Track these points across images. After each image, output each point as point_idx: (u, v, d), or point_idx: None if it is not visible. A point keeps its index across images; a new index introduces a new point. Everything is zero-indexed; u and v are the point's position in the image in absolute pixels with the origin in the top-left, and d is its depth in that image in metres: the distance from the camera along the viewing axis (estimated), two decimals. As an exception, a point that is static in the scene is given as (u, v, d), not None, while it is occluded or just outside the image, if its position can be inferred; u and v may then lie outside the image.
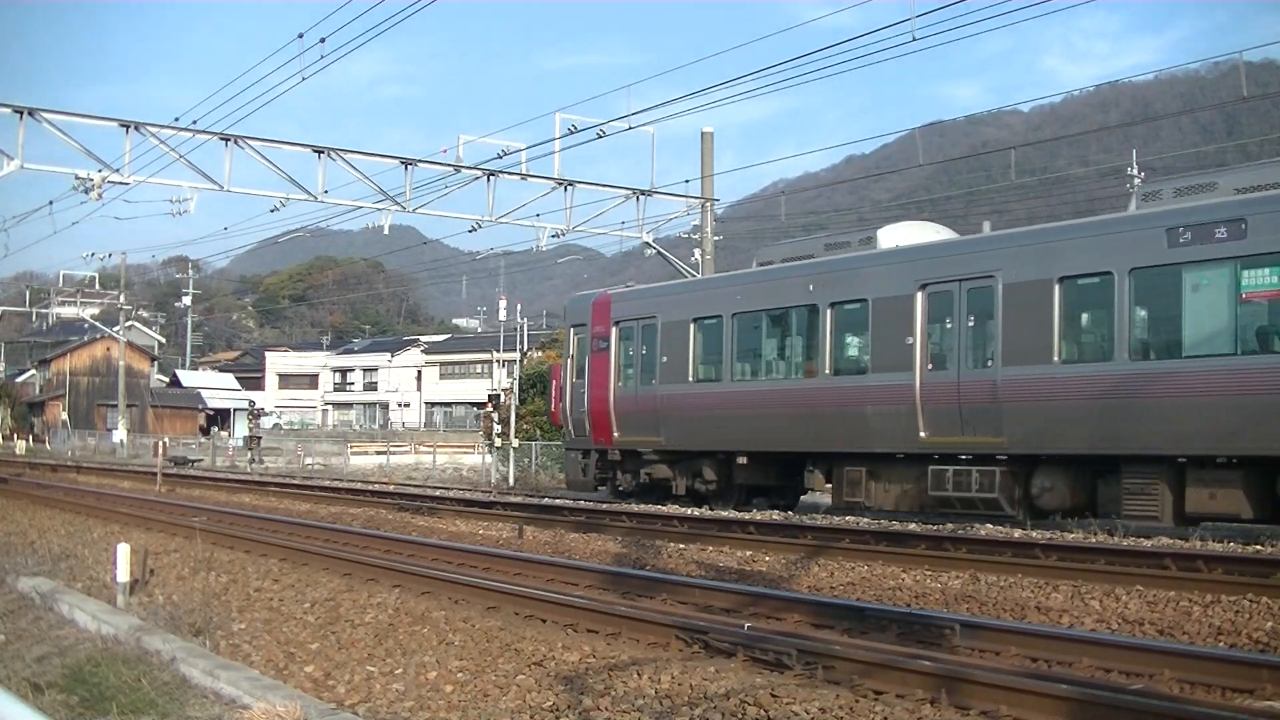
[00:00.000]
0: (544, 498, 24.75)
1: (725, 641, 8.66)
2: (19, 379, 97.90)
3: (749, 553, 14.98)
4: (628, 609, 10.29)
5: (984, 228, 19.64)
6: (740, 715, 7.03)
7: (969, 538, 14.56)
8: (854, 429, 18.92)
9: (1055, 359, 16.47)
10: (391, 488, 28.51)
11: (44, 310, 72.16)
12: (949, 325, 17.86)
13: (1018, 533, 15.33)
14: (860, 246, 20.27)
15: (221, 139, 27.17)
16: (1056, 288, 16.49)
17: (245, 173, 52.02)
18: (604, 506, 21.06)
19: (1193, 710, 6.46)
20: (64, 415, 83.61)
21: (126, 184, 27.44)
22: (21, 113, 25.61)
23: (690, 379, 21.70)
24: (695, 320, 21.84)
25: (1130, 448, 15.64)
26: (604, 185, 32.15)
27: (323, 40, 23.54)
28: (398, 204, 29.51)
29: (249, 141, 27.50)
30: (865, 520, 17.98)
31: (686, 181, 32.70)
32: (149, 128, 26.81)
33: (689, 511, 19.62)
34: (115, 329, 71.83)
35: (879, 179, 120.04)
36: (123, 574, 12.38)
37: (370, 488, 28.04)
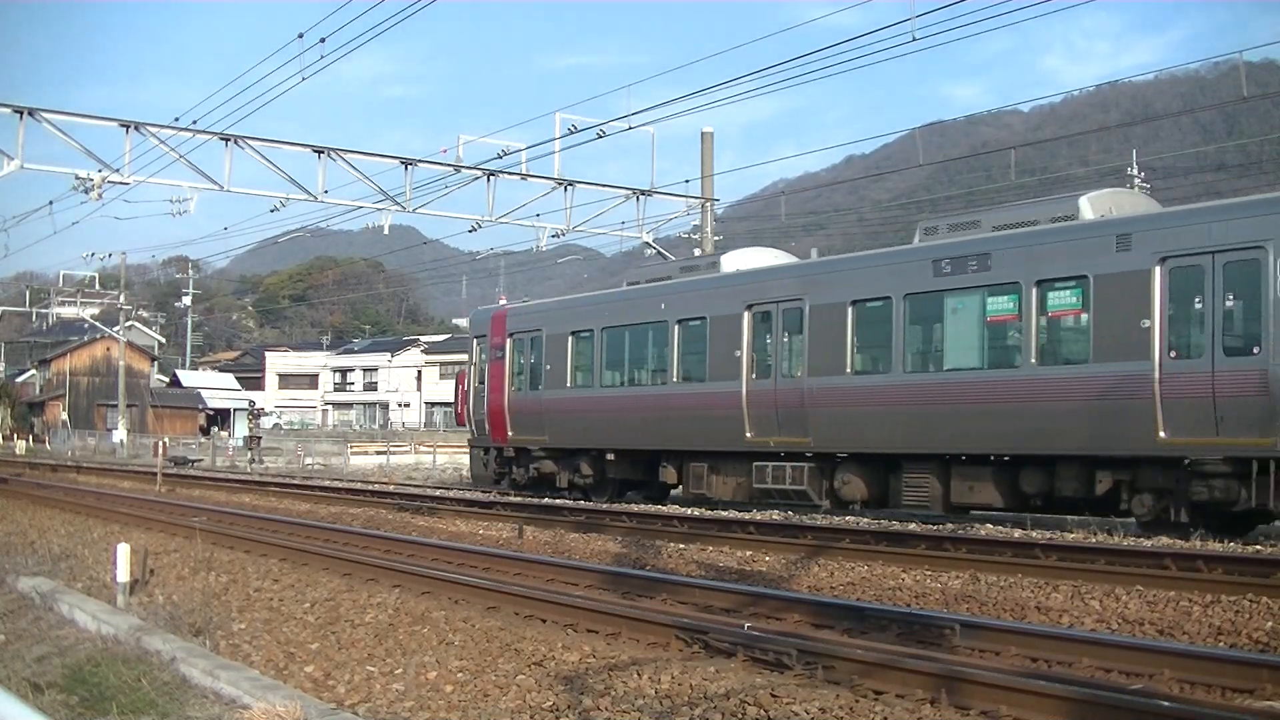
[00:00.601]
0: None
1: (725, 641, 8.66)
2: (19, 379, 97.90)
3: (749, 553, 14.98)
4: (628, 609, 10.29)
5: (812, 253, 22.84)
6: (740, 715, 7.03)
7: (969, 538, 14.56)
8: (696, 430, 21.51)
9: (848, 370, 19.09)
10: (391, 488, 28.50)
11: (44, 310, 72.19)
12: (769, 340, 20.43)
13: (1018, 533, 15.34)
14: (706, 270, 22.93)
15: (221, 139, 27.18)
16: (850, 310, 19.07)
17: (245, 173, 52.06)
18: (604, 507, 21.08)
19: (1193, 710, 6.47)
20: (64, 415, 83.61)
21: (126, 184, 27.46)
22: (21, 113, 25.62)
23: (568, 385, 24.46)
24: (572, 334, 24.55)
25: (908, 448, 18.24)
26: (604, 185, 32.19)
27: (323, 40, 23.56)
28: (398, 204, 29.51)
29: (249, 141, 27.50)
30: (865, 520, 18.03)
31: (686, 181, 32.77)
32: (149, 128, 26.82)
33: (689, 512, 19.64)
34: (115, 329, 71.83)
35: (879, 179, 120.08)
36: (123, 574, 12.38)
37: (370, 488, 28.04)
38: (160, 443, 42.93)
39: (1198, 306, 15.01)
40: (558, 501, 22.14)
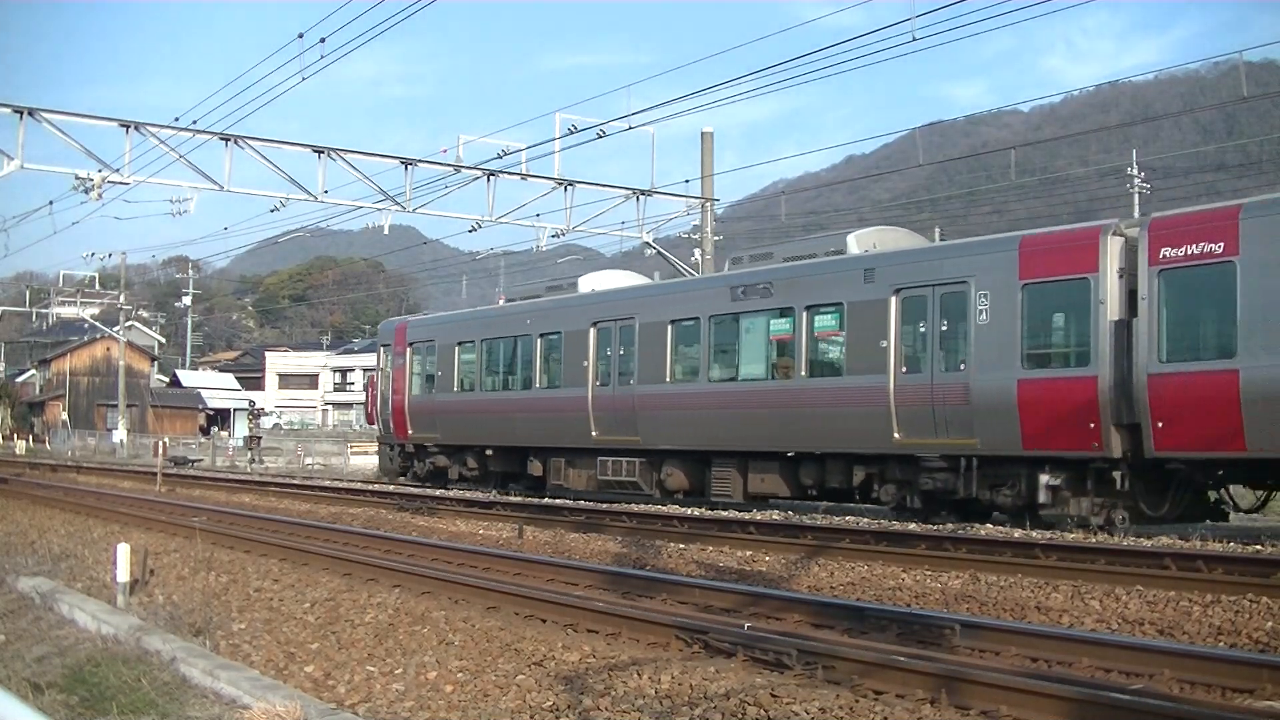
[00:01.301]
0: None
1: (725, 641, 8.67)
2: (19, 379, 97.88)
3: (749, 553, 14.98)
4: (628, 609, 10.29)
5: (655, 276, 26.65)
6: (740, 715, 7.03)
7: (969, 538, 14.56)
8: (555, 430, 24.75)
9: (668, 380, 22.15)
10: (392, 487, 28.50)
11: (44, 310, 72.16)
12: (609, 353, 23.42)
13: (1018, 533, 15.34)
14: (565, 291, 26.33)
15: (221, 139, 27.16)
16: (669, 328, 22.15)
17: (245, 173, 51.96)
18: (603, 507, 21.08)
19: (1193, 710, 6.46)
20: (64, 415, 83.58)
21: (126, 184, 27.43)
22: (21, 113, 25.59)
23: (455, 390, 27.79)
24: (459, 344, 27.98)
25: (715, 446, 21.40)
26: (604, 185, 32.16)
27: (323, 40, 23.54)
28: (398, 204, 29.50)
29: (249, 141, 27.49)
30: (865, 520, 18.05)
31: (686, 181, 32.73)
32: (149, 128, 26.80)
33: (689, 512, 19.65)
34: (115, 329, 71.82)
35: (879, 179, 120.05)
36: (123, 574, 12.38)
37: (370, 488, 28.03)
38: (160, 443, 42.90)
39: (922, 330, 18.13)
40: (557, 501, 22.18)
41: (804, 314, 19.65)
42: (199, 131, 26.92)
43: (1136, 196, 44.42)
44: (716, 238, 33.35)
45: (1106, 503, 16.20)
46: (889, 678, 7.52)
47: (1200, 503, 16.42)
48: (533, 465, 25.83)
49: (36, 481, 33.54)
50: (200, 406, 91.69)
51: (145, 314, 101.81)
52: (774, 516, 18.63)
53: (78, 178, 26.92)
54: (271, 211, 29.31)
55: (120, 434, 67.63)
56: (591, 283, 25.77)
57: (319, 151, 28.26)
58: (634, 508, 20.96)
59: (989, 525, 16.57)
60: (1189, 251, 15.30)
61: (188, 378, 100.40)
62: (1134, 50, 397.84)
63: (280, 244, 59.70)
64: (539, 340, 25.30)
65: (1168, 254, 15.50)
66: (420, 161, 29.54)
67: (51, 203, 31.81)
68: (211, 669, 8.55)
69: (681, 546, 15.82)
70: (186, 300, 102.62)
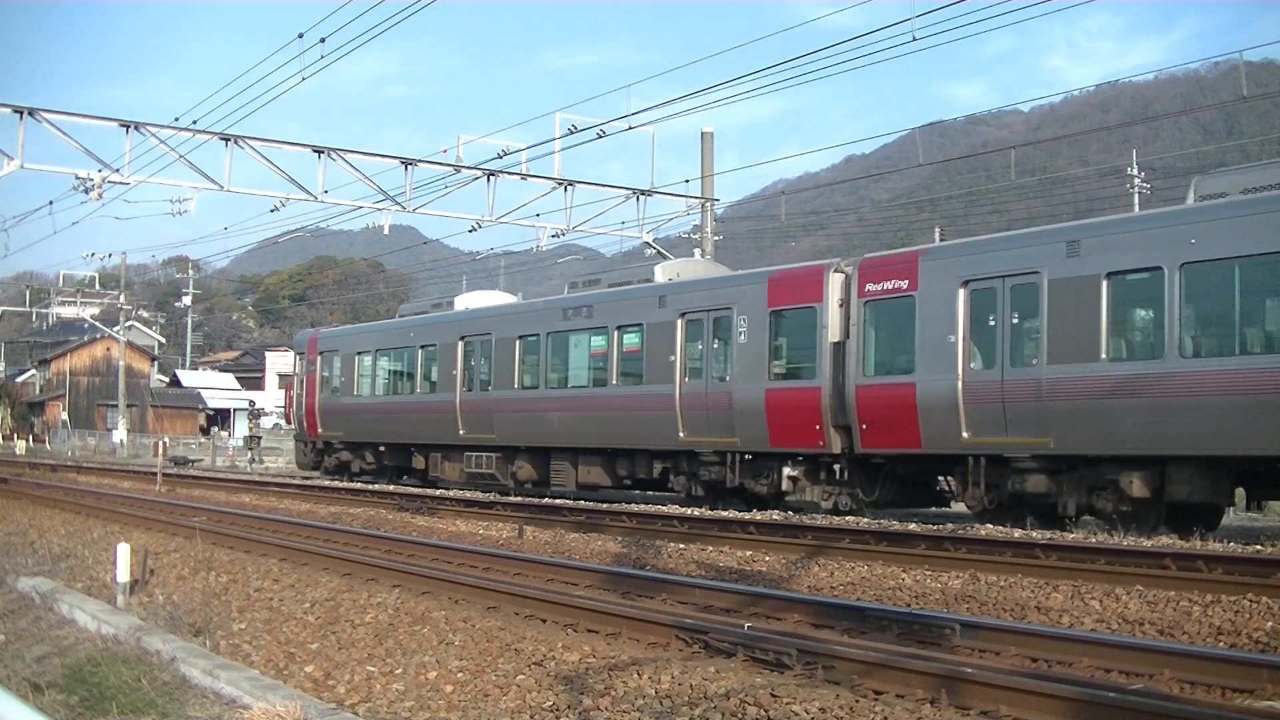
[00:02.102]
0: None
1: (725, 641, 8.67)
2: (19, 379, 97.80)
3: (749, 553, 14.98)
4: (628, 609, 10.29)
5: (519, 295, 31.81)
6: (740, 715, 7.03)
7: (969, 538, 14.56)
8: (432, 428, 28.37)
9: (515, 387, 25.78)
10: (391, 487, 28.52)
11: (44, 310, 72.19)
12: (472, 363, 27.23)
13: (1018, 533, 15.34)
14: (443, 309, 30.24)
15: (221, 139, 27.16)
16: (517, 343, 25.78)
17: (245, 173, 52.17)
18: (604, 507, 21.09)
19: (1193, 710, 6.46)
20: (64, 415, 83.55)
21: (126, 184, 27.43)
22: (21, 113, 25.60)
23: (355, 394, 31.56)
24: (358, 354, 31.76)
25: (555, 443, 24.71)
26: (604, 185, 32.17)
27: (323, 40, 23.52)
28: (398, 204, 29.50)
29: (249, 141, 27.49)
30: (865, 520, 18.06)
31: (686, 181, 32.74)
32: (149, 128, 26.80)
33: (689, 511, 19.65)
34: (115, 329, 71.80)
35: (879, 179, 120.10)
36: (123, 574, 12.38)
37: (370, 487, 28.04)
38: (160, 443, 42.86)
39: (699, 347, 21.48)
40: (558, 501, 22.19)
41: (615, 332, 23.34)
42: (199, 131, 26.92)
43: (1136, 196, 44.41)
44: (716, 238, 33.36)
45: (833, 490, 19.78)
46: (889, 678, 7.52)
47: (908, 489, 19.79)
48: (416, 460, 29.67)
49: (36, 481, 33.53)
50: (200, 406, 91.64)
51: (145, 314, 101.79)
52: (774, 516, 18.63)
53: (78, 178, 26.93)
54: (271, 211, 29.33)
55: (120, 434, 67.62)
56: (465, 301, 29.97)
57: (319, 151, 28.26)
58: (634, 508, 20.99)
59: (989, 525, 16.58)
60: (885, 286, 18.73)
61: (188, 378, 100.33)
62: (1135, 50, 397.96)
63: (280, 244, 59.71)
64: (420, 351, 29.21)
65: (871, 288, 18.88)
66: (420, 161, 29.54)
67: (51, 203, 31.84)
68: (211, 669, 8.55)
69: (681, 546, 15.82)
70: (186, 300, 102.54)
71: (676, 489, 22.13)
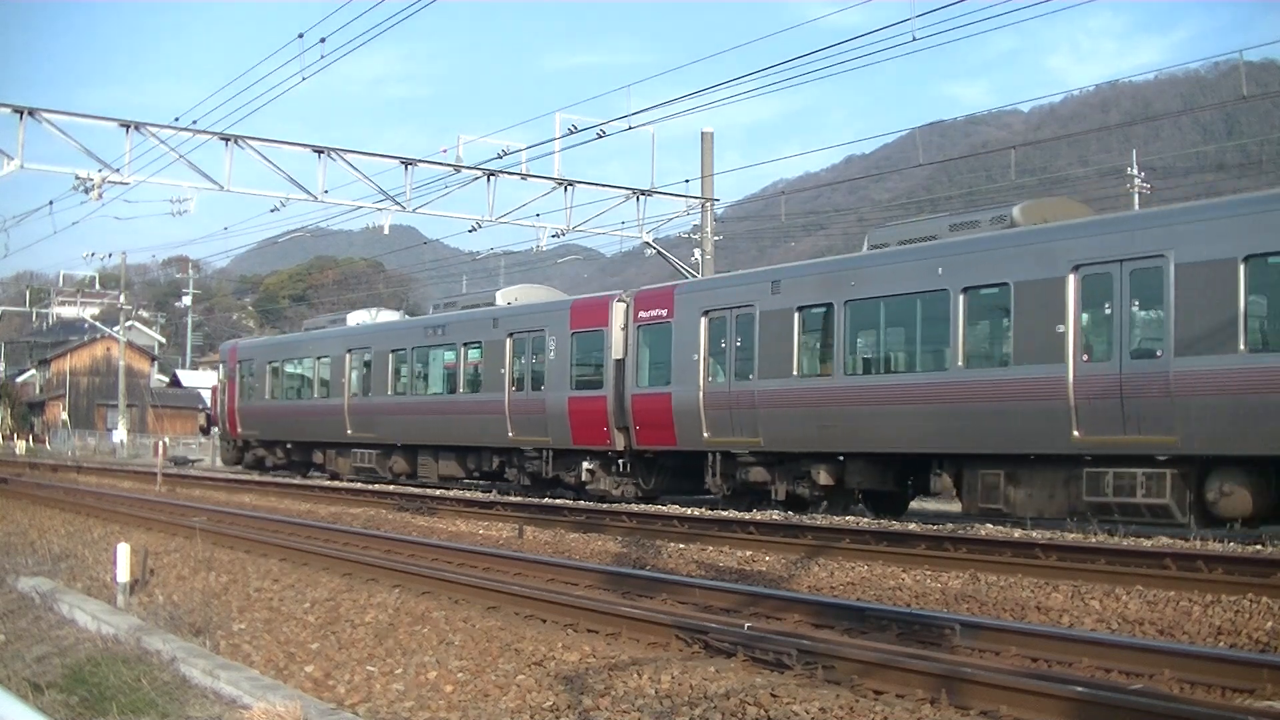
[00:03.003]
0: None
1: (725, 641, 8.67)
2: (19, 379, 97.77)
3: (749, 553, 14.98)
4: (628, 609, 10.30)
5: (400, 313, 37.37)
6: (740, 715, 7.03)
7: (969, 538, 14.56)
8: (327, 429, 32.62)
9: (390, 393, 29.98)
10: (392, 487, 28.52)
11: (44, 310, 72.13)
12: (355, 373, 31.67)
13: (1017, 533, 15.34)
14: (333, 325, 35.33)
15: (221, 139, 27.13)
16: (390, 355, 30.21)
17: (245, 173, 52.09)
18: (604, 507, 21.10)
19: (1193, 710, 6.46)
20: (64, 415, 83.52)
21: (126, 184, 27.39)
22: (21, 113, 25.57)
23: (267, 398, 35.88)
24: (269, 363, 36.11)
25: (422, 440, 29.20)
26: (604, 185, 32.13)
27: (323, 40, 23.48)
28: (398, 204, 29.48)
29: (249, 141, 27.46)
30: (865, 520, 18.06)
31: (686, 181, 32.70)
32: (149, 128, 26.78)
33: (689, 512, 19.66)
34: (115, 329, 71.78)
35: (879, 179, 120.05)
36: (123, 574, 12.38)
37: (371, 487, 28.04)
38: (160, 443, 42.88)
39: (523, 362, 25.66)
40: (558, 501, 22.21)
41: (462, 348, 27.82)
42: (199, 131, 26.90)
43: (1137, 196, 44.38)
44: (716, 238, 33.33)
45: (620, 480, 23.74)
46: (889, 678, 7.52)
47: (676, 478, 23.29)
48: (316, 455, 34.13)
49: (36, 481, 33.54)
50: (200, 406, 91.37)
51: (145, 314, 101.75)
52: (774, 516, 18.64)
53: (78, 178, 26.90)
54: (271, 211, 29.31)
55: (120, 434, 67.60)
56: (355, 318, 34.77)
57: (319, 151, 28.24)
58: (634, 508, 21.01)
59: (989, 525, 16.58)
60: (652, 314, 22.70)
61: (188, 378, 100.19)
62: (1137, 51, 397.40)
63: (280, 244, 59.71)
64: (317, 362, 33.63)
65: (643, 315, 22.87)
66: (420, 161, 29.51)
67: (51, 203, 31.75)
68: (211, 669, 8.55)
69: (681, 546, 15.82)
70: (186, 300, 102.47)
71: (510, 479, 26.73)
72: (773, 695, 7.28)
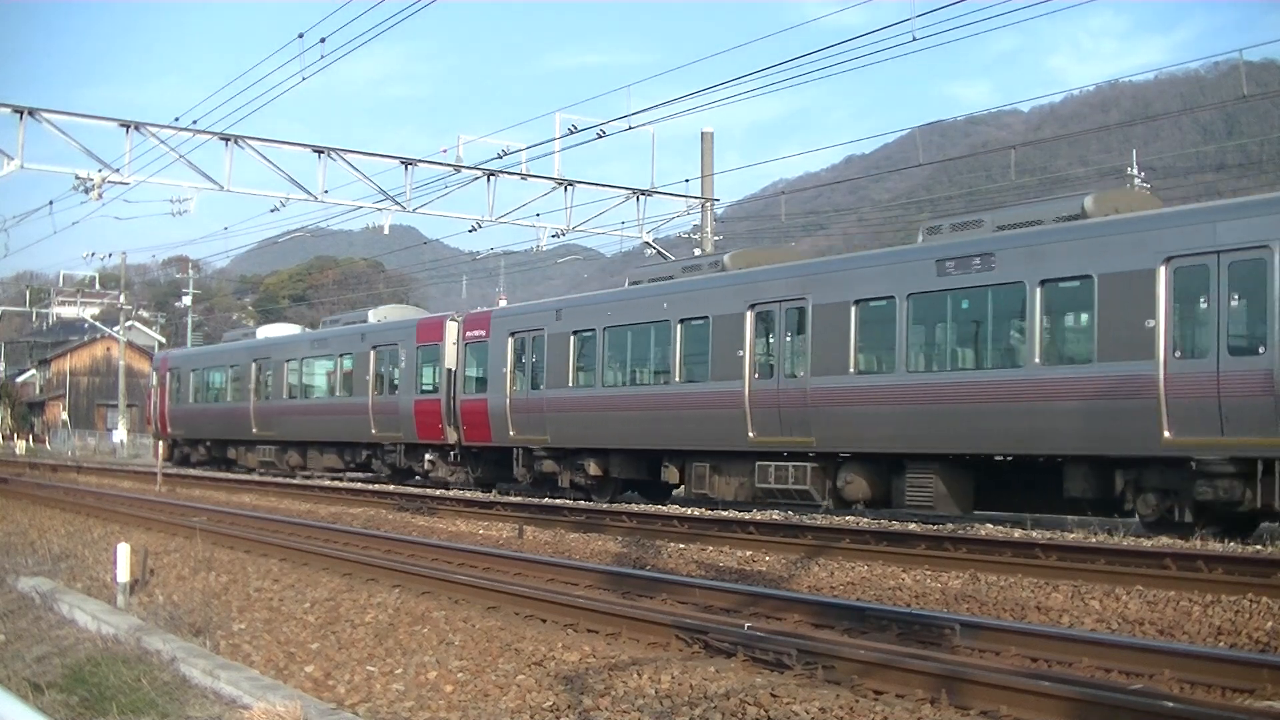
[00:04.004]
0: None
1: (725, 641, 8.67)
2: (19, 379, 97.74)
3: (749, 553, 14.98)
4: (628, 609, 10.29)
5: (316, 327, 41.38)
6: (740, 715, 7.03)
7: (969, 538, 14.56)
8: (237, 426, 36.94)
9: (285, 396, 34.67)
10: (392, 487, 28.51)
11: (44, 310, 72.11)
12: (262, 379, 35.83)
13: (1017, 533, 15.33)
14: (247, 339, 39.78)
15: (221, 139, 27.15)
16: (285, 365, 34.65)
17: (245, 173, 51.95)
18: (604, 507, 21.09)
19: (1193, 710, 6.46)
20: (64, 415, 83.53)
21: (126, 184, 27.43)
22: (21, 113, 25.59)
23: (190, 401, 40.47)
24: (191, 370, 40.91)
25: (309, 438, 33.47)
26: (604, 185, 32.16)
27: (323, 40, 23.49)
28: (398, 204, 29.50)
29: (249, 141, 27.48)
30: (865, 520, 18.04)
31: (686, 181, 32.72)
32: (149, 128, 26.80)
33: (689, 512, 19.65)
34: (115, 329, 71.76)
35: (879, 179, 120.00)
36: (123, 574, 12.38)
37: (371, 487, 28.04)
38: (160, 443, 42.90)
39: (380, 372, 30.24)
40: (558, 501, 22.20)
41: (339, 358, 32.30)
42: (199, 131, 26.91)
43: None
44: (716, 238, 33.35)
45: (454, 469, 28.15)
46: (889, 678, 7.52)
47: (497, 468, 27.27)
48: (230, 451, 38.58)
49: (36, 481, 33.54)
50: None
51: (145, 314, 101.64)
52: (774, 516, 18.63)
53: (78, 178, 26.92)
54: (271, 211, 29.35)
55: (120, 434, 67.59)
56: (263, 332, 39.42)
57: (319, 151, 28.26)
58: (634, 508, 21.01)
59: (989, 525, 16.57)
60: (476, 333, 27.10)
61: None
62: (1138, 50, 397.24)
63: (280, 244, 59.70)
64: (229, 370, 38.10)
65: (469, 334, 27.30)
66: (420, 161, 29.54)
67: (51, 203, 31.80)
68: (211, 669, 8.55)
69: (681, 546, 15.82)
70: (186, 300, 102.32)
71: (374, 470, 31.09)
72: (773, 695, 7.28)
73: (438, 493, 25.77)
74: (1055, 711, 6.64)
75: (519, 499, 23.62)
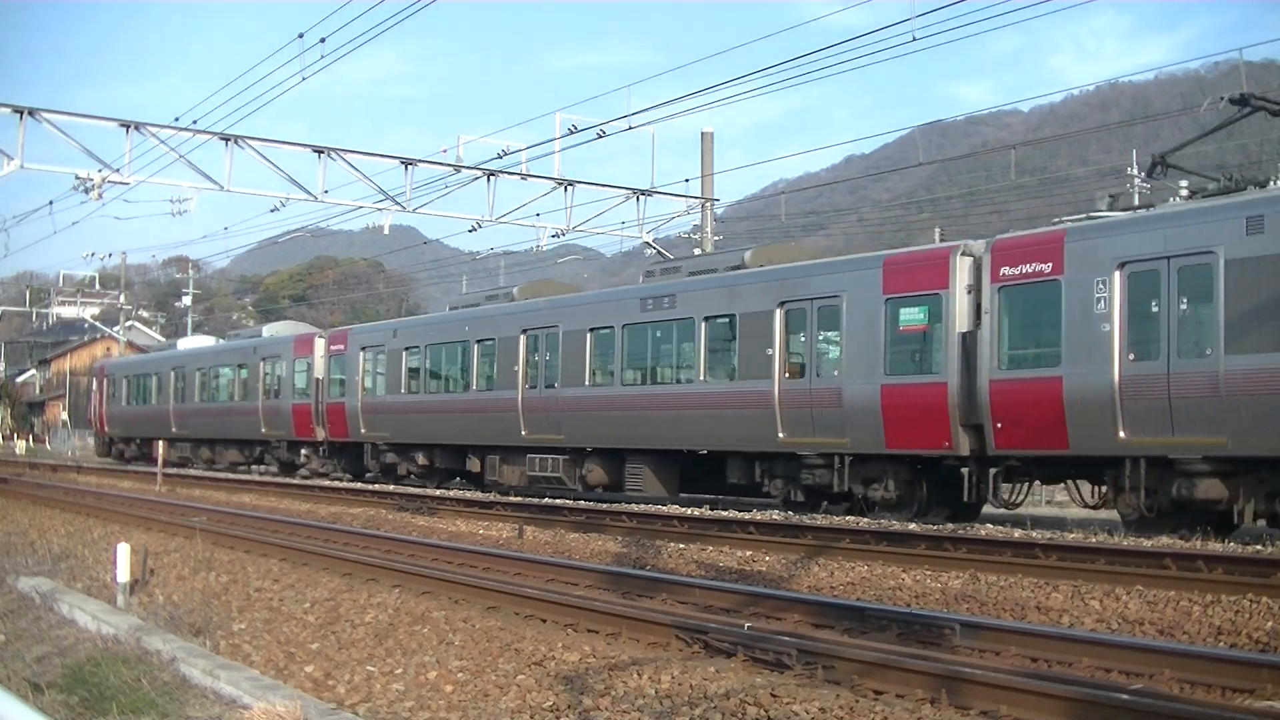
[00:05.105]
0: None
1: (725, 641, 8.67)
2: (19, 379, 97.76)
3: (749, 553, 14.98)
4: (628, 609, 10.30)
5: (226, 339, 45.97)
6: (740, 715, 7.03)
7: (969, 538, 14.55)
8: (160, 426, 41.51)
9: (196, 400, 39.98)
10: (391, 486, 28.51)
11: (44, 310, 72.09)
12: (180, 385, 41.12)
13: (1018, 533, 15.33)
14: (166, 349, 47.33)
15: (221, 139, 27.13)
16: (196, 373, 40.03)
17: (245, 173, 51.90)
18: (603, 506, 21.08)
19: (1193, 710, 6.46)
20: (64, 415, 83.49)
21: (126, 184, 27.40)
22: (21, 113, 25.57)
23: (123, 403, 45.75)
24: (124, 376, 46.26)
25: (216, 436, 39.06)
26: (604, 185, 32.13)
27: (323, 40, 23.45)
28: (398, 204, 29.48)
29: (249, 141, 27.46)
30: (865, 520, 18.03)
31: (686, 181, 32.69)
32: (149, 128, 26.78)
33: (689, 512, 19.65)
34: (115, 329, 71.75)
35: (879, 179, 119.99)
36: (123, 574, 12.38)
37: (370, 487, 28.04)
38: (161, 442, 42.90)
39: (270, 377, 34.87)
40: (558, 502, 22.19)
41: (236, 368, 37.00)
42: (199, 131, 26.90)
43: (1136, 196, 44.38)
44: (716, 238, 33.34)
45: (325, 463, 33.05)
46: (889, 678, 7.52)
47: (355, 461, 31.76)
48: (155, 448, 41.32)
49: (36, 481, 33.54)
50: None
51: (145, 314, 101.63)
52: (774, 516, 18.63)
53: (78, 178, 26.90)
54: (271, 211, 29.31)
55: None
56: (184, 344, 46.18)
57: (319, 151, 28.24)
58: (634, 508, 20.99)
59: (989, 525, 16.58)
60: (337, 347, 32.13)
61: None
62: (1140, 50, 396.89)
63: (280, 244, 59.68)
64: (155, 377, 43.19)
65: (333, 348, 32.09)
66: (420, 161, 29.52)
67: (51, 203, 31.75)
68: (211, 669, 8.55)
69: (681, 546, 15.82)
70: (186, 300, 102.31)
71: (268, 463, 36.87)
72: (773, 695, 7.28)
73: (438, 493, 25.78)
74: (1055, 711, 6.64)
75: (519, 499, 23.62)
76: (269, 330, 38.34)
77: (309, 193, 28.51)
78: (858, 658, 7.89)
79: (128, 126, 26.62)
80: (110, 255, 62.08)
